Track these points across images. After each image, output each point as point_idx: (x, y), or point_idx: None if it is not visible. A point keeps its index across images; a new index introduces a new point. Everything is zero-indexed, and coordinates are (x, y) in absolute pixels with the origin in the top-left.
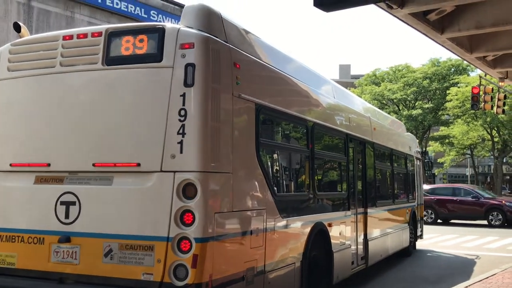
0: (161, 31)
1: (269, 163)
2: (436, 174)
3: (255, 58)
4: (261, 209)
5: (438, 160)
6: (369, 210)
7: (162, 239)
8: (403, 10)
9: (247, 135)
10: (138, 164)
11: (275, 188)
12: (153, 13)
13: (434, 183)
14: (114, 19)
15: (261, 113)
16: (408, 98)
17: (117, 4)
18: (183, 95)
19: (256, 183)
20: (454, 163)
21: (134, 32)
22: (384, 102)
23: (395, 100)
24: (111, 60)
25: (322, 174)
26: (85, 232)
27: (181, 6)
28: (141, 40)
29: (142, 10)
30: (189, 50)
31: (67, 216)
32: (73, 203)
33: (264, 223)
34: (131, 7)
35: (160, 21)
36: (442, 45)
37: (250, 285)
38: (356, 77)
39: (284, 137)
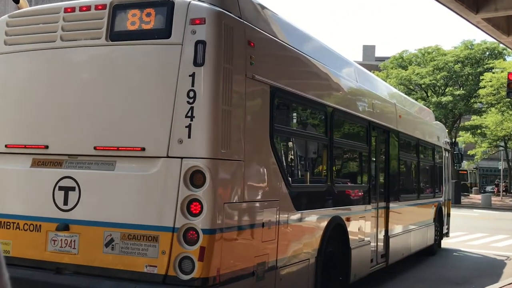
0: (170, 5)
1: (284, 151)
2: (466, 167)
3: (271, 36)
4: (274, 200)
5: (469, 152)
6: (391, 205)
7: (167, 230)
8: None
9: (261, 120)
10: (143, 149)
11: (290, 179)
12: None
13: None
14: None
15: (276, 96)
16: (438, 84)
17: None
18: (193, 75)
19: (270, 172)
20: (486, 155)
21: (141, 5)
22: (411, 87)
23: (423, 86)
24: (115, 35)
25: (341, 165)
26: (85, 220)
27: None
28: (148, 14)
29: None
30: (200, 26)
31: (65, 203)
32: (73, 189)
33: (277, 216)
34: None
35: None
36: (477, 26)
37: (261, 281)
38: (381, 59)
39: (301, 124)
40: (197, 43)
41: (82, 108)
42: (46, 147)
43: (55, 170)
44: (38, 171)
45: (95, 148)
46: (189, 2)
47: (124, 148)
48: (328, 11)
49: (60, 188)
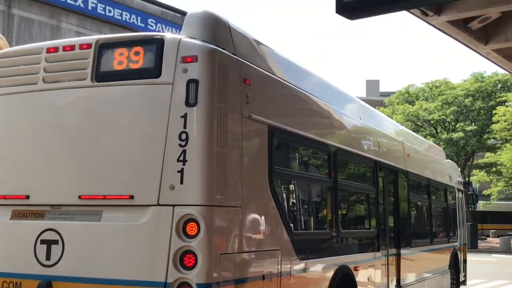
0: (159, 42)
1: (285, 195)
2: (481, 208)
3: (268, 73)
4: (275, 249)
5: (484, 192)
6: (402, 251)
7: (158, 285)
8: (441, 17)
9: (259, 162)
10: (131, 197)
11: (292, 225)
12: (151, 21)
13: None
14: (106, 28)
15: (275, 136)
16: (448, 119)
17: (109, 11)
18: (185, 116)
19: (269, 219)
20: (502, 195)
21: (128, 43)
22: (419, 123)
23: (432, 122)
24: (101, 76)
25: (347, 209)
26: (69, 276)
27: (183, 13)
28: (137, 53)
29: (139, 18)
30: (192, 64)
31: (48, 257)
32: (56, 242)
33: (279, 266)
34: (126, 15)
35: (159, 31)
36: (487, 58)
37: None
38: (386, 94)
39: (302, 165)
40: (189, 82)
41: (66, 154)
42: (27, 197)
43: (37, 222)
44: (18, 224)
45: (79, 197)
46: (180, 39)
47: (111, 197)
48: (328, 44)
49: (42, 242)
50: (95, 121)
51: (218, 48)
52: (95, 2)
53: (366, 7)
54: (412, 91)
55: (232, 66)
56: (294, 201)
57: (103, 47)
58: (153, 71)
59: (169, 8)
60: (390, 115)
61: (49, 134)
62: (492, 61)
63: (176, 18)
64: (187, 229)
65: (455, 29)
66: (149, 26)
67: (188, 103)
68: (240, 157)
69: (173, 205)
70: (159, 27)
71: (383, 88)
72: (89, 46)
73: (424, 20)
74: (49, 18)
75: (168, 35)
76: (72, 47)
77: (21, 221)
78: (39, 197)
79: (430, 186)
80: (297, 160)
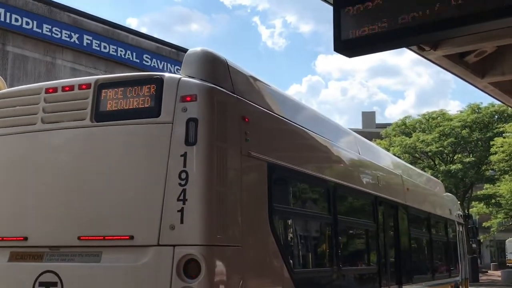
0: (158, 82)
1: (285, 233)
2: (481, 241)
3: (266, 110)
4: None
5: (484, 224)
6: (404, 287)
7: None
8: (437, 52)
9: (259, 200)
10: (131, 237)
11: (292, 262)
12: (146, 57)
13: (479, 252)
14: (101, 64)
15: (274, 173)
16: (445, 151)
17: (105, 47)
18: (184, 155)
19: (270, 257)
20: (502, 227)
21: (128, 83)
22: (417, 155)
23: (429, 153)
24: (101, 116)
25: (347, 244)
26: None
27: (178, 48)
28: (136, 92)
29: (134, 54)
30: (191, 103)
31: None
32: (54, 284)
33: None
34: (121, 51)
35: (154, 66)
36: (483, 91)
37: None
38: (383, 126)
39: (302, 201)
40: (189, 121)
41: (65, 194)
42: (25, 238)
43: (35, 264)
44: (16, 266)
45: (79, 238)
46: (179, 79)
47: (111, 237)
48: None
49: (41, 284)
50: (94, 161)
51: (216, 87)
52: (90, 38)
53: (365, 45)
54: (409, 122)
55: (231, 104)
56: (294, 238)
57: (103, 87)
58: (152, 111)
59: (165, 44)
60: (387, 147)
61: (47, 174)
62: (489, 94)
63: (171, 53)
64: (188, 269)
65: (452, 63)
66: (144, 62)
67: (187, 142)
68: (240, 195)
69: (174, 245)
70: (154, 63)
71: (379, 120)
72: (88, 86)
73: (421, 55)
74: (44, 55)
75: (167, 74)
76: (71, 87)
77: (19, 263)
78: (37, 239)
79: (430, 220)
80: (297, 197)
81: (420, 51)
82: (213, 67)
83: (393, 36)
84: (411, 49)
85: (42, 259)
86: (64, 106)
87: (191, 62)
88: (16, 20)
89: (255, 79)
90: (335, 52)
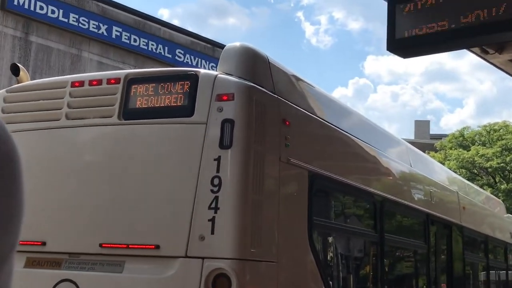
0: (193, 79)
1: (325, 250)
2: None
3: (309, 113)
4: None
5: None
6: None
7: None
8: (502, 55)
9: (298, 212)
10: (157, 247)
11: (331, 284)
12: (179, 52)
13: None
14: (130, 59)
15: (315, 183)
16: (508, 167)
17: (135, 40)
18: (218, 159)
19: (308, 276)
20: None
21: (160, 79)
22: (475, 171)
23: (489, 170)
24: (129, 113)
25: (394, 267)
26: None
27: (214, 44)
28: (168, 89)
29: (166, 48)
30: (228, 102)
31: None
32: None
33: None
34: (152, 45)
35: (187, 62)
36: None
37: None
38: (437, 137)
39: (345, 216)
40: (224, 122)
41: (87, 197)
42: (43, 243)
43: (53, 271)
44: (32, 273)
45: (100, 245)
46: (216, 76)
47: (135, 246)
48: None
49: None
50: (120, 162)
51: (256, 86)
52: (120, 30)
53: (421, 45)
54: (467, 134)
55: (271, 105)
56: (335, 257)
57: (133, 82)
58: (185, 110)
59: (199, 38)
60: (442, 160)
61: (69, 175)
62: None
63: (206, 49)
64: (217, 284)
65: None
66: (177, 57)
67: (222, 145)
68: (277, 205)
69: (203, 258)
70: (187, 59)
71: (434, 130)
72: (117, 81)
73: (484, 59)
74: (69, 47)
75: (203, 71)
76: (99, 82)
77: (35, 269)
78: (56, 244)
79: (488, 244)
80: (339, 211)
81: (483, 54)
82: (253, 64)
83: (454, 37)
84: (473, 52)
85: (61, 267)
86: (91, 102)
87: (229, 58)
88: (41, 8)
89: (298, 79)
90: (388, 52)
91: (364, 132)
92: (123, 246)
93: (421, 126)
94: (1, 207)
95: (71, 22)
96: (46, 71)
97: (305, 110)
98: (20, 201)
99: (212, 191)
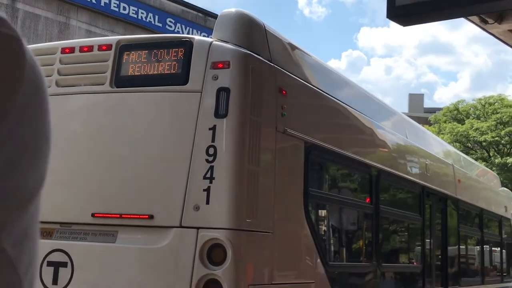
0: (187, 45)
1: (320, 222)
2: None
3: (306, 82)
4: (309, 282)
5: None
6: None
7: None
8: (502, 25)
9: (294, 183)
10: (151, 217)
11: (327, 255)
12: (170, 21)
13: None
14: (119, 27)
15: (311, 154)
16: (502, 141)
17: (124, 8)
18: (213, 128)
19: (303, 247)
20: None
21: (153, 45)
22: (469, 145)
23: (484, 144)
24: (121, 81)
25: (389, 239)
26: None
27: (206, 13)
28: (162, 56)
29: (156, 17)
30: (223, 70)
31: (55, 282)
32: (64, 264)
33: None
34: (142, 13)
35: (178, 32)
36: None
37: None
38: (431, 110)
39: (340, 188)
40: (220, 90)
41: (79, 166)
42: None
43: (44, 241)
44: None
45: (93, 215)
46: (211, 42)
47: (128, 216)
48: (364, 52)
49: (49, 264)
50: (112, 131)
51: (252, 54)
52: None
53: (421, 12)
54: (462, 108)
55: (267, 73)
56: (331, 228)
57: (125, 49)
58: (179, 77)
59: (190, 7)
60: (436, 134)
61: (60, 143)
62: None
63: (198, 18)
64: (212, 255)
65: None
66: (167, 26)
67: (217, 114)
68: (273, 176)
69: (197, 228)
70: (178, 28)
71: (428, 104)
72: (109, 47)
73: (482, 28)
74: (57, 14)
75: (198, 37)
76: (90, 48)
77: None
78: (47, 214)
79: (483, 217)
80: (336, 182)
81: (483, 24)
82: (249, 31)
83: (455, 4)
84: (472, 21)
85: (52, 237)
86: (82, 69)
87: (225, 25)
88: None
89: (295, 48)
90: (381, 24)
91: (361, 103)
92: (116, 216)
93: (415, 99)
94: (30, 136)
95: None
96: (34, 40)
97: (302, 80)
98: (48, 132)
99: (207, 160)
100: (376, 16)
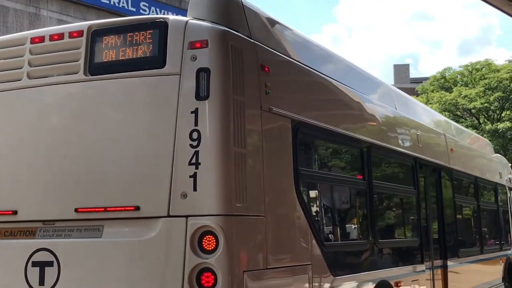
0: (162, 26)
1: (313, 201)
2: None
3: (289, 58)
4: (305, 264)
5: None
6: (449, 263)
7: None
8: None
9: (283, 163)
10: (137, 208)
11: (322, 236)
12: (144, 5)
13: None
14: (92, 15)
15: (299, 132)
16: (492, 107)
17: None
18: (195, 112)
19: (297, 229)
20: None
21: (126, 29)
22: (459, 113)
23: (473, 111)
24: (96, 68)
25: (384, 215)
26: None
27: None
28: (136, 40)
29: (129, 1)
30: (201, 50)
31: (41, 282)
32: (50, 264)
33: (310, 284)
34: None
35: (154, 15)
36: None
37: None
38: (418, 81)
39: (332, 165)
40: (199, 71)
41: (58, 160)
42: (15, 212)
43: (27, 241)
44: (5, 244)
45: (76, 210)
46: (187, 21)
47: (113, 209)
48: (342, 21)
49: (34, 264)
50: (90, 121)
51: (231, 31)
52: None
53: None
54: (449, 75)
55: (248, 51)
56: (324, 207)
57: (97, 35)
58: (156, 60)
59: None
60: (425, 104)
61: (37, 138)
62: None
63: (172, 0)
64: (203, 243)
65: (505, 0)
66: (141, 11)
67: (198, 96)
68: (261, 157)
69: (186, 216)
70: (152, 11)
71: (414, 74)
72: (80, 33)
73: None
74: (26, 5)
75: (172, 17)
76: (60, 36)
77: (8, 240)
78: (28, 212)
79: (478, 186)
80: (326, 160)
81: None
82: (226, 7)
83: None
84: None
85: (35, 236)
86: (53, 58)
87: (200, 2)
88: None
89: (275, 23)
90: None
91: (347, 76)
92: (100, 209)
93: (401, 70)
94: None
95: None
96: (4, 32)
97: (285, 55)
98: None
99: (191, 145)
100: None
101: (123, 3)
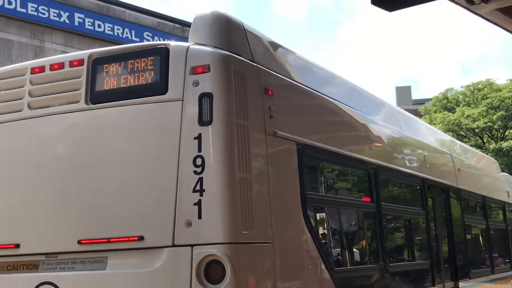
0: (164, 53)
1: (321, 226)
2: None
3: (292, 81)
4: None
5: None
6: (460, 284)
7: None
8: (489, 5)
9: (289, 187)
10: (141, 238)
11: (331, 261)
12: (147, 35)
13: None
14: (96, 46)
15: (305, 155)
16: (495, 126)
17: (99, 26)
18: (199, 137)
19: (306, 254)
20: None
21: (126, 56)
22: (462, 133)
23: (477, 130)
24: (97, 97)
25: (393, 238)
26: None
27: (182, 23)
28: (138, 67)
29: (133, 32)
30: (203, 75)
31: None
32: None
33: None
34: (118, 29)
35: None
36: None
37: None
38: (420, 102)
39: (339, 188)
40: (202, 96)
41: (60, 192)
42: (17, 246)
43: (30, 275)
44: (7, 279)
45: (79, 242)
46: (188, 47)
47: (117, 239)
48: (344, 47)
49: None
50: (93, 151)
51: (233, 55)
52: (82, 16)
53: None
54: (451, 96)
55: (250, 74)
56: (333, 231)
57: (98, 63)
58: (158, 87)
59: (166, 19)
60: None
61: (39, 169)
62: None
63: (175, 29)
64: (210, 273)
65: (506, 17)
66: (145, 41)
67: (201, 122)
68: (267, 182)
69: (192, 245)
70: (156, 41)
71: (416, 95)
72: (80, 62)
73: (469, 10)
74: (30, 38)
75: (174, 43)
76: (60, 65)
77: (11, 275)
78: (31, 245)
79: (486, 205)
80: (333, 182)
81: (469, 5)
82: (228, 32)
83: None
84: (457, 3)
85: (38, 269)
86: (54, 88)
87: (201, 27)
88: None
89: (277, 45)
90: (372, 5)
91: (351, 98)
92: (103, 240)
93: (403, 92)
94: None
95: (30, 12)
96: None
97: (288, 78)
98: None
99: (195, 172)
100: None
101: (126, 33)
